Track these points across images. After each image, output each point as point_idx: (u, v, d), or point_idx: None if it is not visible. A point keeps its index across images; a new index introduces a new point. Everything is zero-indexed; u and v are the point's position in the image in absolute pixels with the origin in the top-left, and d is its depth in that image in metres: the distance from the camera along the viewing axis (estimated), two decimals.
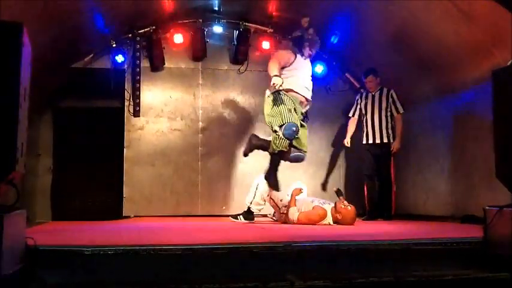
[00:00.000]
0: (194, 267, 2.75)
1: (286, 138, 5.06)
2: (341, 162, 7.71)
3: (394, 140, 6.48)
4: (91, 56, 6.98)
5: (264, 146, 5.21)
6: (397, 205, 7.08)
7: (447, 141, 6.15)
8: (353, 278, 2.63)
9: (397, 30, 6.11)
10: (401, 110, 6.50)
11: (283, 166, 7.53)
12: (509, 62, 3.15)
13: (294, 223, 5.38)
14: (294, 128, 5.12)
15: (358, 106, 6.74)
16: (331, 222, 5.34)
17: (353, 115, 6.79)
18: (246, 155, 5.45)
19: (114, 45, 6.95)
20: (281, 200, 5.71)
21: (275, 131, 5.19)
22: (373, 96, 6.61)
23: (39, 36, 4.91)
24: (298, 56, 5.65)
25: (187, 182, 7.30)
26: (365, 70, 6.73)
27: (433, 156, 6.41)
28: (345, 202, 5.41)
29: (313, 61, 7.45)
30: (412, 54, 6.29)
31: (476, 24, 5.05)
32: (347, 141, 6.76)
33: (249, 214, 5.77)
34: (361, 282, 2.59)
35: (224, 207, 6.03)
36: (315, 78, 7.53)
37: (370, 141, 6.54)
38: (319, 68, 7.53)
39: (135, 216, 6.86)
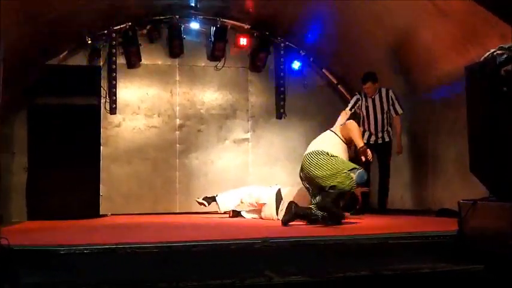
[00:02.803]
0: (172, 265, 2.73)
1: (356, 182, 4.87)
2: None
3: (392, 137, 6.39)
4: (66, 52, 6.87)
5: (307, 214, 4.79)
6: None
7: (423, 137, 6.21)
8: (331, 273, 2.64)
9: (372, 27, 6.15)
10: (400, 111, 6.33)
11: (261, 163, 7.58)
12: (482, 57, 3.18)
13: None
14: (365, 178, 4.89)
15: (357, 105, 6.49)
16: None
17: (351, 109, 6.43)
18: (286, 224, 4.82)
19: (89, 42, 6.85)
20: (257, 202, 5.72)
21: (346, 173, 4.89)
22: (373, 100, 6.35)
23: (14, 33, 4.82)
24: None
25: (165, 179, 7.25)
26: (363, 76, 6.45)
27: (408, 151, 6.47)
28: None
29: (291, 58, 7.52)
30: (387, 50, 6.34)
31: (451, 21, 5.11)
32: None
33: (209, 198, 5.94)
34: (339, 277, 2.60)
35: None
36: (292, 73, 7.60)
37: (372, 142, 6.43)
38: (296, 64, 7.56)
39: (112, 215, 6.80)
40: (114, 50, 7.05)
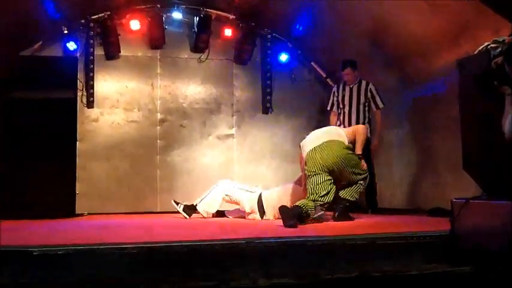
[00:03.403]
0: (152, 266, 2.72)
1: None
2: None
3: (371, 134, 6.34)
4: (41, 43, 6.80)
5: (301, 212, 4.80)
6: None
7: (414, 133, 6.26)
8: (319, 274, 2.64)
9: (362, 20, 6.17)
10: (381, 105, 6.34)
11: (246, 160, 7.58)
12: (476, 51, 3.21)
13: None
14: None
15: (335, 98, 6.52)
16: None
17: (331, 108, 6.54)
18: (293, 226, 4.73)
19: (66, 32, 6.79)
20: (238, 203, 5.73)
21: (359, 183, 5.04)
22: (351, 89, 6.41)
23: None
24: None
25: (145, 177, 7.22)
26: (342, 62, 6.49)
27: (399, 148, 6.52)
28: None
29: (278, 50, 7.52)
30: (378, 45, 6.37)
31: (443, 14, 5.14)
32: None
33: (190, 209, 5.83)
34: (327, 279, 2.61)
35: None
36: (279, 66, 7.60)
37: None
38: (283, 57, 7.57)
39: (89, 214, 6.75)
40: (91, 41, 7.00)
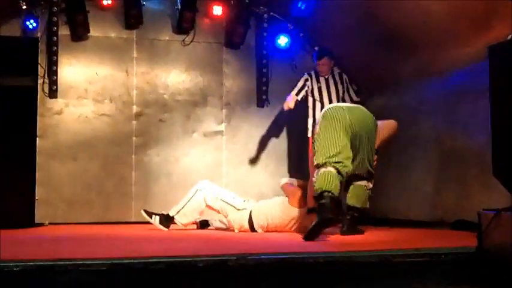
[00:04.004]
0: (124, 285, 2.71)
1: None
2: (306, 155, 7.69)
3: None
4: None
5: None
6: (374, 209, 7.20)
7: (433, 132, 6.26)
8: None
9: (373, 4, 6.18)
10: (355, 98, 6.77)
11: (237, 161, 7.57)
12: (510, 36, 3.21)
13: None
14: None
15: (308, 89, 6.79)
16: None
17: (297, 94, 6.75)
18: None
19: (24, 7, 6.78)
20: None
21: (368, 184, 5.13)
22: (327, 80, 6.75)
23: None
24: None
25: (118, 181, 7.22)
26: (318, 50, 6.79)
27: (417, 150, 6.52)
28: None
29: (276, 32, 7.52)
30: (392, 27, 6.37)
31: None
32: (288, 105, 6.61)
33: (167, 221, 5.82)
34: None
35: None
36: (277, 51, 7.60)
37: None
38: (283, 40, 7.57)
39: (50, 224, 6.75)
40: (55, 18, 6.99)
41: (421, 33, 6.04)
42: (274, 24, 7.58)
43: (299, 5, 7.05)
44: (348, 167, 4.63)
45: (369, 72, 7.21)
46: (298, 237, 4.71)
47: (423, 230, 5.70)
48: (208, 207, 5.83)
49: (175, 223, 5.81)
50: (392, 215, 6.56)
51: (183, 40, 7.51)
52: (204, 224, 6.03)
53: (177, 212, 5.78)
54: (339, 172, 4.54)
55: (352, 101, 6.74)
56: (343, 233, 4.93)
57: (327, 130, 4.73)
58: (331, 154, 4.59)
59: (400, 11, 6.04)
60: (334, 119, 4.77)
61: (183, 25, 7.40)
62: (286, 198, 5.55)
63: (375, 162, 5.14)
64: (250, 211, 5.59)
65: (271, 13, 7.55)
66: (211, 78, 7.63)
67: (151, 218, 5.87)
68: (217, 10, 7.41)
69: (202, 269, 2.84)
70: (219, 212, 5.82)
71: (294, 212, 5.43)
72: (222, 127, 7.63)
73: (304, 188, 5.72)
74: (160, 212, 5.92)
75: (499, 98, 3.19)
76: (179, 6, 7.33)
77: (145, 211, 5.99)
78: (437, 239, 4.69)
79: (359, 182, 5.07)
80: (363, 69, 7.28)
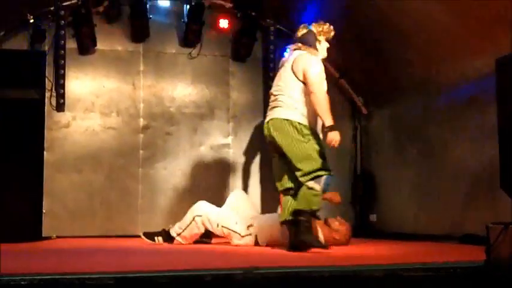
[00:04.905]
0: None
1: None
2: None
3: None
4: (2, 34, 6.82)
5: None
6: (381, 222, 7.20)
7: (439, 144, 6.26)
8: None
9: (385, 8, 6.19)
10: None
11: (223, 171, 7.58)
12: None
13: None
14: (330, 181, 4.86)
15: None
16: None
17: None
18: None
19: (31, 21, 6.81)
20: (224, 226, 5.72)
21: (309, 187, 4.81)
22: None
23: None
24: None
25: (124, 194, 7.22)
26: None
27: (421, 162, 6.52)
28: (339, 218, 5.60)
29: (283, 44, 7.52)
30: (397, 41, 6.38)
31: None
32: None
33: (170, 238, 5.82)
34: None
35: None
36: None
37: None
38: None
39: (57, 237, 6.75)
40: (62, 32, 7.01)
41: (428, 45, 6.05)
42: (281, 37, 7.59)
43: (305, 19, 7.06)
44: None
45: (375, 84, 7.23)
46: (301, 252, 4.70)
47: (431, 243, 5.68)
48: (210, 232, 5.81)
49: (179, 240, 5.80)
50: (399, 229, 6.54)
51: (190, 53, 7.53)
52: (206, 235, 5.98)
53: (178, 235, 5.78)
54: None
55: None
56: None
57: None
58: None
59: (408, 22, 6.05)
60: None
61: (190, 38, 7.43)
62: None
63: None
64: (256, 235, 5.55)
65: (278, 26, 7.57)
66: (217, 91, 7.64)
67: (154, 240, 5.85)
68: (224, 23, 7.43)
69: (208, 282, 2.83)
70: (222, 236, 5.78)
71: None
72: (228, 140, 7.64)
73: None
74: (161, 229, 5.93)
75: (507, 110, 3.20)
76: (186, 19, 7.36)
77: (146, 235, 5.94)
78: (445, 252, 4.68)
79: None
80: (370, 80, 7.30)
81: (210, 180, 7.45)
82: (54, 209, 6.92)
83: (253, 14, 7.41)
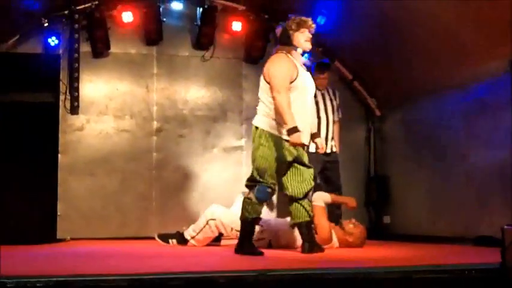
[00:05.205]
0: None
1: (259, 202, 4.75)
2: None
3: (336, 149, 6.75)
4: (16, 38, 6.87)
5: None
6: (394, 224, 7.18)
7: (455, 146, 6.24)
8: None
9: (392, 11, 6.18)
10: (340, 115, 6.85)
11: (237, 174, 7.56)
12: None
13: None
14: (269, 190, 4.73)
15: None
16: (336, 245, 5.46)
17: None
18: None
19: (46, 25, 6.86)
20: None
21: (245, 196, 4.81)
22: (323, 95, 6.74)
23: None
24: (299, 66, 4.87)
25: (137, 196, 7.25)
26: (322, 63, 6.82)
27: (435, 165, 6.50)
28: (353, 220, 5.60)
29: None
30: (410, 43, 6.36)
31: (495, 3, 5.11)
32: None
33: (184, 240, 5.86)
34: None
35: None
36: None
37: (320, 151, 6.58)
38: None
39: (72, 239, 6.78)
40: (76, 35, 7.05)
41: (441, 47, 6.04)
42: None
43: (318, 20, 7.06)
44: None
45: (388, 86, 7.22)
46: (317, 254, 4.70)
47: (445, 245, 5.66)
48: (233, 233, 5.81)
49: (193, 244, 5.82)
50: (414, 231, 6.52)
51: (203, 56, 7.55)
52: (216, 239, 5.98)
53: (192, 238, 5.81)
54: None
55: (338, 118, 6.81)
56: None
57: None
58: None
59: (421, 25, 6.04)
60: None
61: (203, 41, 7.44)
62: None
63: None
64: (270, 241, 5.55)
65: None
66: (230, 94, 7.66)
67: (168, 243, 5.93)
68: (237, 26, 7.44)
69: (222, 285, 2.84)
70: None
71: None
72: (241, 142, 7.65)
73: (337, 205, 5.77)
74: (176, 232, 5.98)
75: None
76: (199, 22, 7.38)
77: (160, 237, 6.02)
78: (459, 254, 4.66)
79: None
80: (383, 82, 7.29)
81: (223, 183, 7.46)
82: (68, 211, 6.95)
83: (266, 16, 7.42)
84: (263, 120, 4.75)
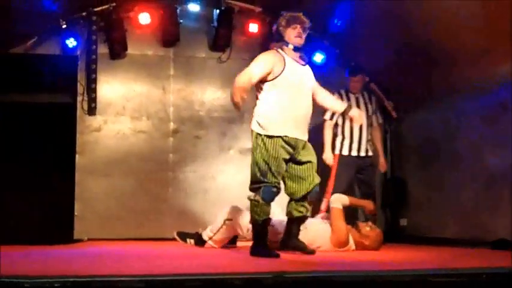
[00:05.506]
0: None
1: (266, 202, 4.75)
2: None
3: (371, 153, 6.73)
4: (35, 39, 6.94)
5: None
6: (411, 226, 7.15)
7: (473, 149, 6.20)
8: None
9: (409, 13, 6.15)
10: (381, 120, 6.90)
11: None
12: None
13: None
14: (274, 190, 4.75)
15: None
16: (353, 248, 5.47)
17: (331, 118, 6.67)
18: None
19: (64, 26, 6.92)
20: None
21: (250, 199, 4.80)
22: (357, 99, 6.74)
23: None
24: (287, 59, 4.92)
25: (153, 197, 7.28)
26: (354, 66, 6.83)
27: (452, 167, 6.47)
28: (370, 223, 5.62)
29: (312, 49, 7.51)
30: (427, 45, 6.33)
31: None
32: (329, 157, 6.57)
33: (202, 242, 5.87)
34: None
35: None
36: (313, 68, 7.61)
37: (354, 153, 6.61)
38: (319, 57, 7.57)
39: (88, 240, 6.82)
40: (94, 37, 7.11)
41: (458, 48, 6.01)
42: (310, 41, 7.56)
43: (335, 22, 7.07)
44: None
45: (405, 88, 7.19)
46: (333, 255, 4.70)
47: (462, 249, 5.63)
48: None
49: (211, 244, 5.84)
50: (430, 234, 6.49)
51: (219, 57, 7.57)
52: (232, 241, 5.99)
53: (209, 238, 5.82)
54: None
55: (378, 123, 6.86)
56: None
57: None
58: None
59: (438, 26, 6.02)
60: None
61: (219, 42, 7.47)
62: (329, 230, 5.46)
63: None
64: None
65: (308, 30, 7.54)
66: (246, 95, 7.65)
67: (186, 242, 5.99)
68: (253, 27, 7.45)
69: (238, 286, 2.84)
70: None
71: (329, 247, 5.41)
72: None
73: (354, 206, 5.77)
74: (194, 232, 6.01)
75: None
76: (215, 24, 7.41)
77: (179, 235, 6.09)
78: (476, 258, 4.63)
79: None
80: (400, 84, 7.26)
81: (239, 185, 7.44)
82: (85, 211, 7.00)
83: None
84: (255, 122, 4.88)
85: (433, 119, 6.85)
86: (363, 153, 6.60)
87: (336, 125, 6.71)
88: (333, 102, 5.32)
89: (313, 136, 5.30)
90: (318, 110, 6.88)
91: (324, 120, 6.68)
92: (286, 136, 4.73)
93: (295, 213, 4.91)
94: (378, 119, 6.87)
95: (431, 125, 6.87)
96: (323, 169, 6.93)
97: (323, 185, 6.54)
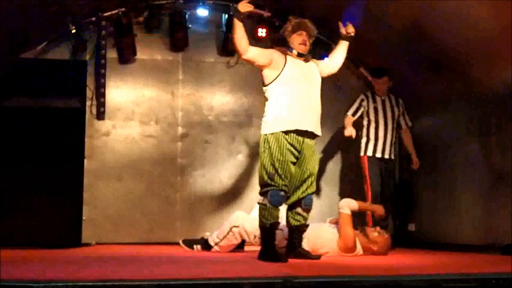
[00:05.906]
0: None
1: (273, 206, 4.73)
2: (353, 175, 7.56)
3: (396, 156, 6.83)
4: (45, 44, 6.97)
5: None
6: (420, 231, 7.12)
7: (485, 152, 6.17)
8: None
9: (421, 15, 6.13)
10: (410, 123, 6.88)
11: None
12: None
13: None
14: (282, 193, 4.72)
15: (364, 109, 6.78)
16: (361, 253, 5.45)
17: (353, 115, 6.75)
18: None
19: (73, 31, 6.94)
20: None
21: (259, 203, 4.81)
22: (383, 101, 6.77)
23: None
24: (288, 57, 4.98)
25: (162, 201, 7.29)
26: (378, 68, 6.82)
27: (465, 170, 6.43)
28: (378, 228, 5.60)
29: (320, 53, 7.46)
30: (438, 49, 6.31)
31: None
32: (351, 131, 6.51)
33: (208, 247, 5.89)
34: None
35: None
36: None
37: (379, 155, 6.62)
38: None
39: (97, 244, 6.84)
40: (103, 42, 7.13)
41: (470, 53, 5.99)
42: (319, 45, 7.56)
43: (344, 26, 7.03)
44: None
45: (416, 92, 7.17)
46: (342, 259, 4.69)
47: (473, 254, 5.60)
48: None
49: (217, 250, 5.84)
50: (442, 239, 6.45)
51: (228, 62, 7.58)
52: (239, 246, 5.98)
53: (215, 244, 5.83)
54: None
55: (407, 126, 6.87)
56: None
57: None
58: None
59: (449, 30, 5.99)
60: None
61: (228, 47, 7.44)
62: (337, 236, 5.43)
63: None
64: None
65: (316, 34, 7.54)
66: (255, 99, 7.63)
67: (192, 248, 5.99)
68: (262, 32, 7.44)
69: None
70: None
71: (336, 252, 5.38)
72: None
73: (364, 210, 5.74)
74: (200, 238, 6.04)
75: None
76: (224, 29, 7.42)
77: (185, 242, 6.09)
78: (488, 263, 4.60)
79: None
80: (410, 88, 7.24)
81: (248, 189, 7.46)
82: (93, 216, 7.02)
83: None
84: (264, 124, 4.91)
85: (442, 124, 6.82)
86: (387, 156, 6.62)
87: (362, 126, 6.75)
88: (335, 50, 5.41)
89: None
90: (342, 108, 6.97)
91: (346, 116, 6.74)
92: (295, 130, 4.74)
93: (292, 222, 4.93)
94: (407, 121, 6.86)
95: (440, 130, 6.85)
96: (357, 174, 6.98)
97: (361, 191, 6.57)
